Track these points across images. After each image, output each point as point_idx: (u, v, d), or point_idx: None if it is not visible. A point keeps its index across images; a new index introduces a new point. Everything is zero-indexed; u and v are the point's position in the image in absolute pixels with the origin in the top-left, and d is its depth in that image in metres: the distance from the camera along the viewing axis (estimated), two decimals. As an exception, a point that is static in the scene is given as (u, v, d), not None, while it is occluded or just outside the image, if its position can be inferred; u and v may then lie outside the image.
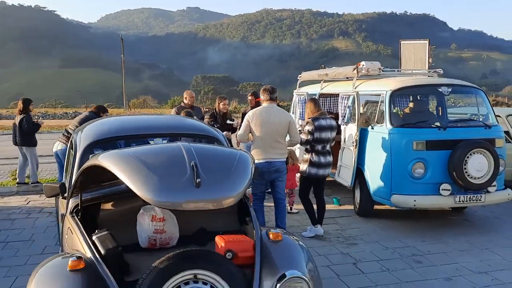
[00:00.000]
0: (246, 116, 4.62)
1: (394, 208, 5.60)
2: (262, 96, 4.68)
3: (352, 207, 6.07)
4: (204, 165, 2.02)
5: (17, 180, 7.24)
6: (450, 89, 5.37)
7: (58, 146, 5.68)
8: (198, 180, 1.93)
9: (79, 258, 2.18)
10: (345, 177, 5.89)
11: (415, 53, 8.13)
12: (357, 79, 6.01)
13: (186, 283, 2.17)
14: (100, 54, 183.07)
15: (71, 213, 2.75)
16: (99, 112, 5.87)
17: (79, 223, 2.58)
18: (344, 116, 6.04)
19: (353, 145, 5.63)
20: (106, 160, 2.12)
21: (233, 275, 2.24)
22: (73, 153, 3.05)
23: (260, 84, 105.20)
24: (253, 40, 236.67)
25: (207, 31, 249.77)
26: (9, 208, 6.08)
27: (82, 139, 3.07)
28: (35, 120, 7.23)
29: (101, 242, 2.37)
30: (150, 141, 3.24)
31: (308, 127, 4.86)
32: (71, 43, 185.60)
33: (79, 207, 2.71)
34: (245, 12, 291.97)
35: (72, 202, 2.81)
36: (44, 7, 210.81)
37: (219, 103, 6.49)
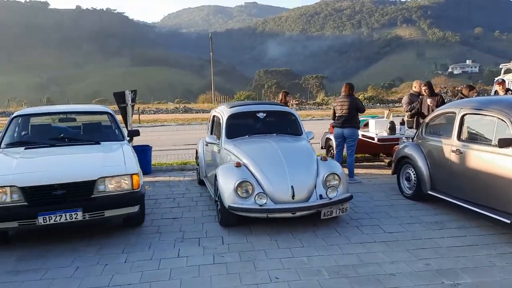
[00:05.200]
0: None
1: None
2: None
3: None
4: None
5: None
6: None
7: None
8: None
9: None
10: None
11: None
12: None
13: None
14: (164, 52, 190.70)
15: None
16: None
17: None
18: None
19: None
20: None
21: None
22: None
23: (323, 77, 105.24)
24: (312, 32, 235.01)
25: (266, 25, 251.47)
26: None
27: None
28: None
29: None
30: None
31: None
32: (139, 42, 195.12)
33: None
34: (304, 4, 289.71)
35: None
36: (114, 9, 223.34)
37: (420, 88, 7.81)
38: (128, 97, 9.21)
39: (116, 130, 5.70)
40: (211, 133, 6.28)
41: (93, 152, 5.00)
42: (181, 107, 35.31)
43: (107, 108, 6.23)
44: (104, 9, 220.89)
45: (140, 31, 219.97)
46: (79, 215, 4.17)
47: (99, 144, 5.29)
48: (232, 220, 4.78)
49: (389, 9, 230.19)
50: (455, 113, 5.12)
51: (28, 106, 39.98)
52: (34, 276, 3.74)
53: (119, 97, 9.10)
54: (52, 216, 4.08)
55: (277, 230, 4.73)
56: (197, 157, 7.27)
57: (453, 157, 5.03)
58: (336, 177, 4.83)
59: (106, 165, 4.52)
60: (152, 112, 32.92)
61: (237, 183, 4.58)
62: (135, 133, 5.92)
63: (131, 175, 4.45)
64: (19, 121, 5.52)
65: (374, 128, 7.60)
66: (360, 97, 39.90)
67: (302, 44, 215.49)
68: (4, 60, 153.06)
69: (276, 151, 5.01)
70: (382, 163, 8.79)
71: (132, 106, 9.42)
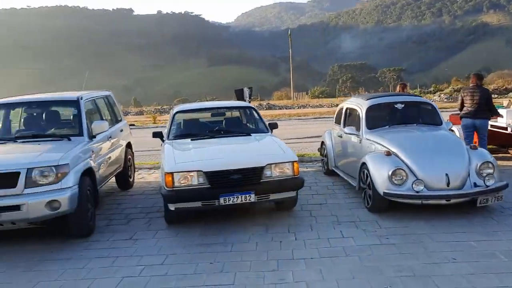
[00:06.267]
0: None
1: None
2: None
3: None
4: None
5: None
6: None
7: None
8: None
9: None
10: None
11: None
12: None
13: None
14: (239, 51, 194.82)
15: None
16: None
17: None
18: None
19: None
20: None
21: None
22: None
23: (401, 69, 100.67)
24: (388, 23, 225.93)
25: (339, 19, 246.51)
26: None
27: None
28: None
29: None
30: None
31: None
32: (215, 43, 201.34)
33: None
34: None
35: None
36: (192, 12, 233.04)
37: None
38: (246, 93, 9.84)
39: (261, 123, 6.19)
40: (344, 125, 6.54)
41: (251, 142, 5.51)
42: (265, 104, 36.08)
43: (249, 104, 6.75)
44: (183, 13, 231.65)
45: (216, 32, 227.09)
46: (252, 197, 4.67)
47: (250, 135, 5.80)
48: (384, 206, 5.01)
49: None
50: None
51: (123, 106, 43.40)
52: (224, 248, 4.29)
53: (239, 94, 9.77)
54: (230, 197, 4.61)
55: (430, 217, 4.87)
56: (322, 149, 7.58)
57: None
58: (491, 165, 4.87)
59: (269, 153, 4.98)
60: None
61: (391, 171, 4.80)
62: (275, 125, 6.37)
63: (292, 162, 4.87)
64: (179, 116, 6.22)
65: (506, 118, 7.37)
66: (449, 90, 37.91)
67: (377, 36, 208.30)
68: (95, 65, 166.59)
69: (425, 140, 5.16)
70: (508, 155, 8.46)
71: (249, 102, 10.03)
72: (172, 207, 4.73)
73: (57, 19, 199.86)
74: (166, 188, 4.63)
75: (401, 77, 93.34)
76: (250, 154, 5.02)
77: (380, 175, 4.90)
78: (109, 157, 5.89)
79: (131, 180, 7.03)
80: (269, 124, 6.32)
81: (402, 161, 4.95)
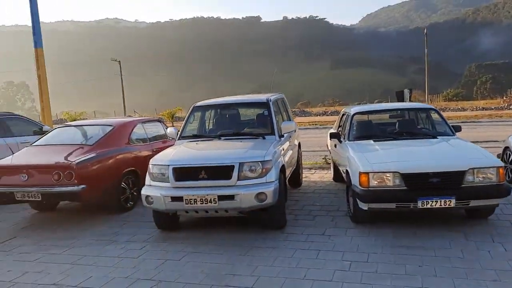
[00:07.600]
0: None
1: None
2: None
3: None
4: None
5: None
6: None
7: None
8: None
9: None
10: None
11: None
12: None
13: None
14: (362, 53, 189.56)
15: None
16: None
17: None
18: None
19: None
20: None
21: None
22: None
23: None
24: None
25: (478, 15, 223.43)
26: None
27: None
28: None
29: None
30: None
31: None
32: (338, 46, 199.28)
33: None
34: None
35: None
36: (316, 16, 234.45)
37: None
38: (407, 95, 9.50)
39: (445, 125, 5.90)
40: None
41: (442, 144, 5.29)
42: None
43: (431, 106, 6.51)
44: (307, 17, 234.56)
45: (340, 35, 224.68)
46: (452, 202, 4.46)
47: (436, 137, 5.57)
48: None
49: None
50: None
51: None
52: (427, 252, 4.15)
53: (400, 96, 9.48)
54: (429, 201, 4.47)
55: None
56: (506, 155, 6.92)
57: None
58: None
59: (469, 157, 4.71)
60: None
61: None
62: (458, 128, 6.01)
63: (498, 168, 4.52)
64: (357, 118, 6.28)
65: None
66: None
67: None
68: (225, 71, 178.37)
69: None
70: None
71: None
72: (365, 206, 4.77)
73: (194, 29, 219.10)
74: (361, 187, 4.68)
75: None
76: (449, 157, 4.82)
77: None
78: (291, 156, 6.20)
79: (300, 178, 7.31)
80: (453, 126, 6.00)
81: None
